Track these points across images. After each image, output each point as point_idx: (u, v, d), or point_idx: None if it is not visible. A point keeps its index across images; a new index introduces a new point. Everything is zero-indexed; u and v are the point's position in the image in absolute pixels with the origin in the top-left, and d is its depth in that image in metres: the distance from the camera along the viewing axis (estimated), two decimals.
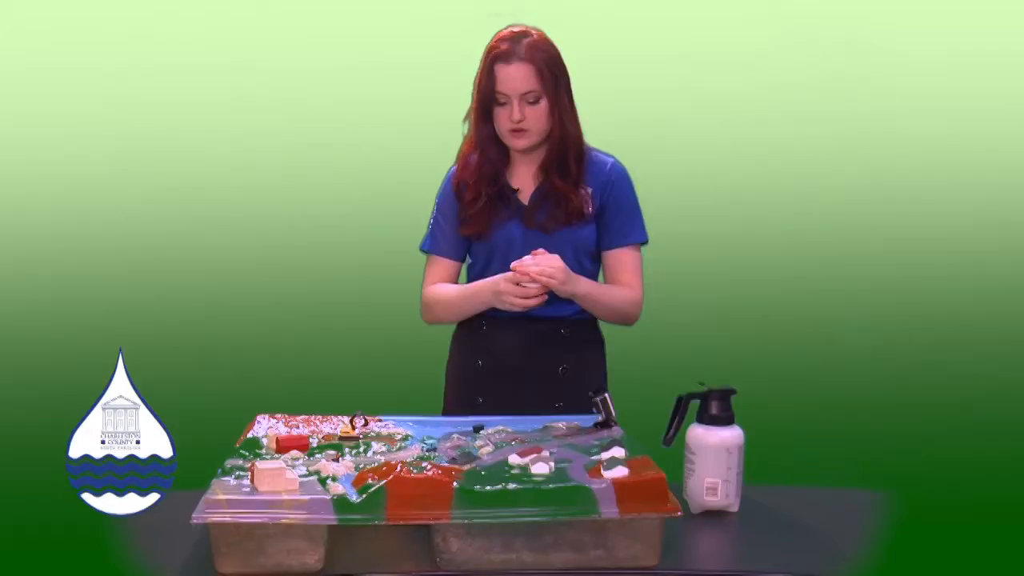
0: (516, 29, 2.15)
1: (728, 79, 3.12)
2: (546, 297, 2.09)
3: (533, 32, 2.15)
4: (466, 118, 2.21)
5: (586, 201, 2.18)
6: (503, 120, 2.14)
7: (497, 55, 2.12)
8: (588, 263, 2.22)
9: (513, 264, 2.09)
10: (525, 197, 2.20)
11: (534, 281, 2.07)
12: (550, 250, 2.14)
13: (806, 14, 3.11)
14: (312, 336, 3.11)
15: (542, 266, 2.07)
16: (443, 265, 2.25)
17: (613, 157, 2.24)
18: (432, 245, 2.26)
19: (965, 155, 3.13)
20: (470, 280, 2.25)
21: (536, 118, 2.13)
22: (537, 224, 2.18)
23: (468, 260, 2.27)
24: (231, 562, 1.54)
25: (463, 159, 2.22)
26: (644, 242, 2.23)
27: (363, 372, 3.01)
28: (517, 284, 2.08)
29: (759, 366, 3.05)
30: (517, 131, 2.13)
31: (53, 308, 3.04)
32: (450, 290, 2.24)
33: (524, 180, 2.21)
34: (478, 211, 2.18)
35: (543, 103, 2.13)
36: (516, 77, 2.11)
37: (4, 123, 3.03)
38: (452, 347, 2.31)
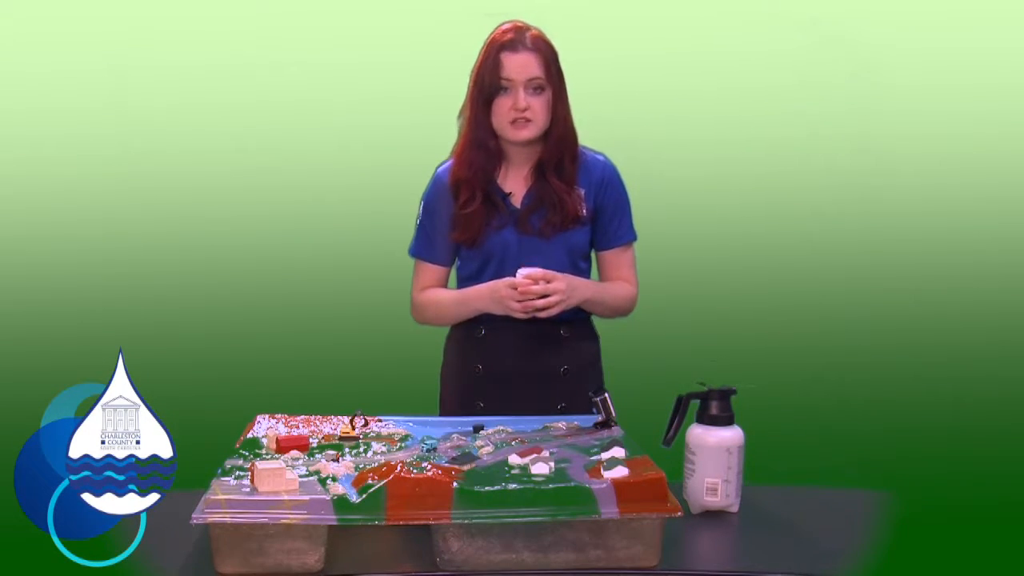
0: (517, 23, 2.16)
1: (726, 78, 3.12)
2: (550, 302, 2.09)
3: (533, 27, 2.16)
4: (461, 114, 2.21)
5: (579, 203, 2.18)
6: (504, 110, 2.12)
7: (504, 44, 2.12)
8: (582, 264, 2.23)
9: (520, 287, 2.07)
10: (517, 201, 2.20)
11: (535, 298, 2.06)
12: (546, 254, 2.14)
13: (797, 13, 3.11)
14: (312, 336, 3.10)
15: (547, 296, 2.07)
16: (432, 271, 2.24)
17: (603, 155, 2.25)
18: (420, 251, 2.25)
19: (964, 154, 3.13)
20: (460, 285, 2.25)
21: (539, 109, 2.13)
22: (533, 230, 2.17)
23: (456, 263, 2.26)
24: (231, 562, 1.54)
25: (459, 155, 2.20)
26: (635, 239, 2.25)
27: (363, 372, 3.01)
28: (515, 289, 2.08)
29: (759, 366, 3.05)
30: (520, 121, 2.12)
31: (53, 308, 3.03)
32: (444, 295, 2.23)
33: (516, 183, 2.20)
34: (471, 213, 2.16)
35: (545, 95, 2.13)
36: (523, 64, 2.11)
37: (4, 123, 3.03)
38: (447, 352, 2.30)
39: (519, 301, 2.07)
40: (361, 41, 3.08)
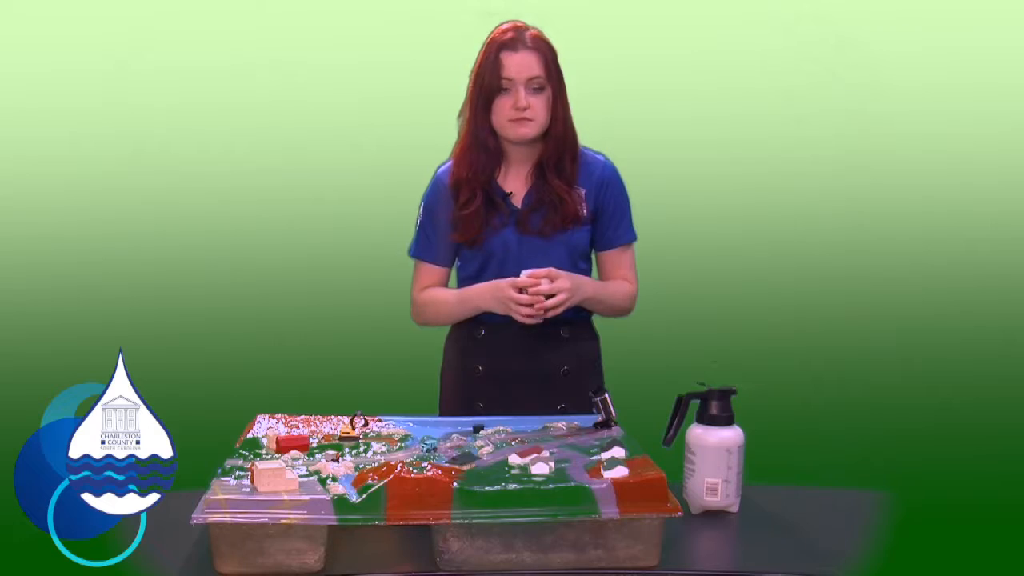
0: (517, 23, 2.16)
1: (725, 78, 3.12)
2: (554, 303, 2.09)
3: (533, 27, 2.17)
4: (461, 114, 2.21)
5: (580, 203, 2.18)
6: (505, 109, 2.13)
7: (504, 43, 2.13)
8: (583, 263, 2.23)
9: (531, 288, 2.07)
10: (517, 201, 2.20)
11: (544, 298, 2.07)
12: (546, 254, 2.14)
13: (791, 13, 3.11)
14: (312, 336, 3.10)
15: (553, 297, 2.07)
16: (432, 271, 2.24)
17: (603, 155, 2.25)
18: (420, 251, 2.24)
19: (964, 155, 3.13)
20: (460, 285, 2.24)
21: (539, 108, 2.13)
22: (533, 230, 2.17)
23: (457, 263, 2.26)
24: (231, 562, 1.54)
25: (459, 155, 2.20)
26: (635, 239, 2.26)
27: (363, 372, 3.01)
28: (521, 291, 2.08)
29: (759, 366, 3.05)
30: (520, 120, 2.13)
31: (53, 308, 3.03)
32: (444, 294, 2.23)
33: (516, 183, 2.20)
34: (472, 213, 2.17)
35: (545, 94, 2.14)
36: (523, 64, 2.11)
37: (5, 123, 3.03)
38: (447, 352, 2.30)
39: (528, 305, 2.07)
40: (361, 41, 3.08)
